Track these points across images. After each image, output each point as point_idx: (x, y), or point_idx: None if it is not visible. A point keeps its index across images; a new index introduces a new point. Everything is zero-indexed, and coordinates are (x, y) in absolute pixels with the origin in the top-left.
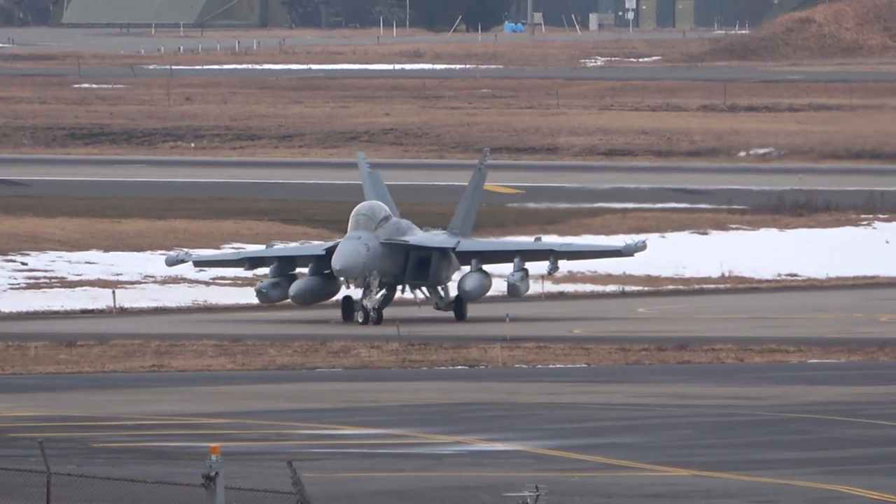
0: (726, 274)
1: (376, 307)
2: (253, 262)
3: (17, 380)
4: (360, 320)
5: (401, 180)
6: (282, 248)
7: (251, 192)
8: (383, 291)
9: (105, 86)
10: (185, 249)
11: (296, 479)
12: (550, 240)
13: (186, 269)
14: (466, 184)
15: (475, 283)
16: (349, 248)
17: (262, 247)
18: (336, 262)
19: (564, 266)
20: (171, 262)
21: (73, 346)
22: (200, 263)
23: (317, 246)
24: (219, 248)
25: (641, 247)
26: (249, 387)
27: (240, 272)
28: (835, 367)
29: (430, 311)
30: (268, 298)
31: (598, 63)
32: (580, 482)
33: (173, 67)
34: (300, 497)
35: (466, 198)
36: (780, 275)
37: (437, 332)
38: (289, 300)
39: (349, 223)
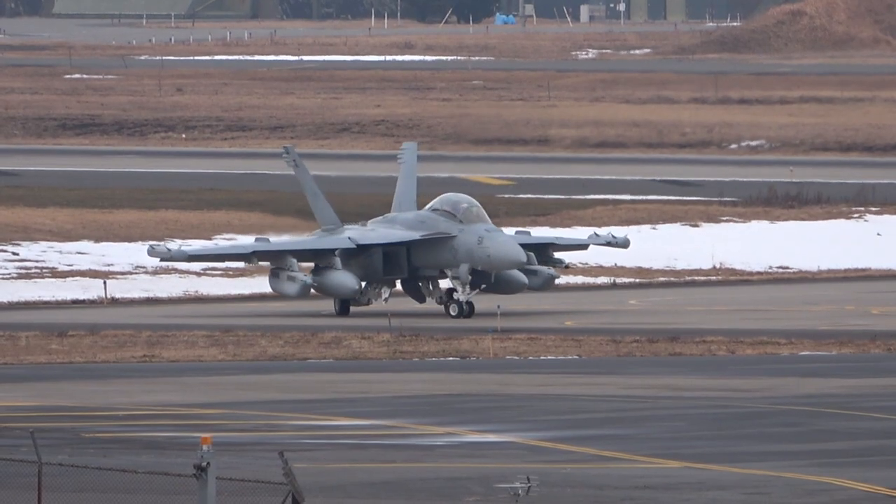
0: (717, 266)
1: (468, 300)
2: (262, 256)
3: (8, 370)
4: (454, 313)
5: (392, 172)
6: (299, 240)
7: (242, 184)
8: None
9: (96, 76)
10: (171, 243)
11: (287, 469)
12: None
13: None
14: (456, 175)
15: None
16: (513, 242)
17: (268, 239)
18: (517, 255)
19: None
20: (157, 256)
21: (65, 337)
22: (197, 258)
23: (341, 239)
24: (210, 239)
25: (618, 241)
26: (241, 377)
27: (234, 262)
28: (826, 360)
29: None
30: (304, 292)
31: (590, 55)
32: (571, 473)
33: (164, 58)
34: (292, 487)
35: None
36: (771, 267)
37: (428, 323)
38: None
39: (459, 213)
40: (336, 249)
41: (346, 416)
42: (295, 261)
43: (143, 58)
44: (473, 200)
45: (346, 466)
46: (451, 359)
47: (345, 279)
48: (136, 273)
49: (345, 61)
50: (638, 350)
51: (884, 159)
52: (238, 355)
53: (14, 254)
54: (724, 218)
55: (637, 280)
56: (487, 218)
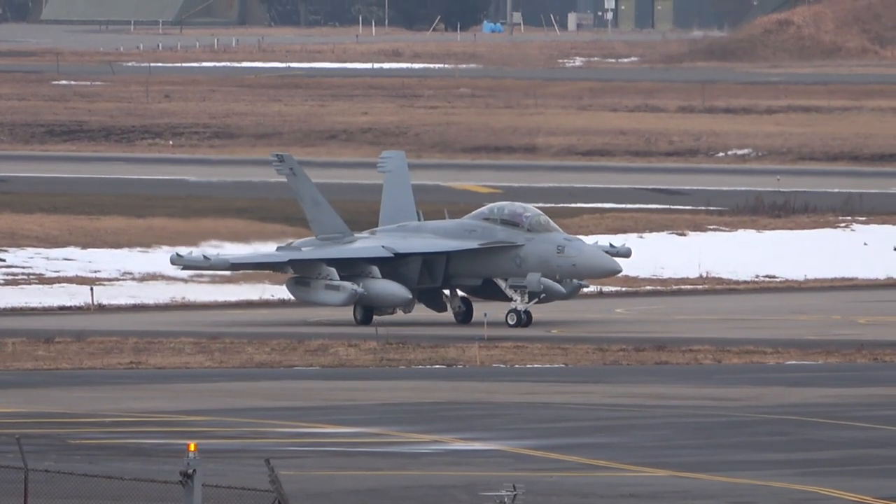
0: (704, 275)
1: (527, 308)
2: (297, 265)
3: None
4: (512, 322)
5: (378, 179)
6: (331, 249)
7: (229, 191)
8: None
9: (84, 83)
10: (206, 250)
11: (273, 476)
12: None
13: (165, 266)
14: (443, 183)
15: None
16: (601, 251)
17: (292, 244)
18: (609, 264)
19: None
20: (182, 264)
21: (51, 343)
22: (239, 267)
23: (374, 248)
24: (197, 246)
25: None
26: (227, 384)
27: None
28: (812, 369)
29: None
30: (351, 301)
31: (577, 63)
32: (557, 482)
33: (152, 65)
34: (278, 495)
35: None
36: (758, 276)
37: (414, 331)
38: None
39: (525, 222)
40: (373, 258)
41: (333, 423)
42: (334, 270)
43: (130, 64)
44: (536, 209)
45: (332, 474)
46: (437, 367)
47: (396, 289)
48: (123, 279)
49: (332, 68)
50: (624, 359)
51: (871, 168)
52: (225, 362)
53: (1, 260)
54: (711, 227)
55: (624, 289)
56: (558, 227)
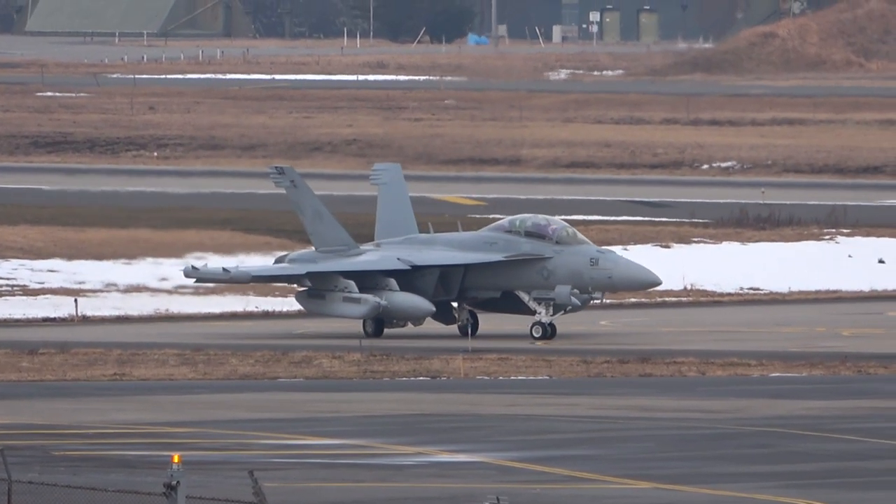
0: (688, 287)
1: (551, 321)
2: (314, 277)
3: None
4: (537, 335)
5: (363, 191)
6: (347, 261)
7: (214, 202)
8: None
9: (68, 94)
10: (228, 262)
11: (257, 488)
12: None
13: (149, 278)
14: (427, 195)
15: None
16: (638, 264)
17: (302, 252)
18: (648, 277)
19: None
20: (195, 277)
21: (35, 354)
22: (260, 279)
23: (388, 259)
24: (181, 258)
25: None
26: (211, 396)
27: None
28: (797, 381)
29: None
30: (374, 314)
31: (562, 76)
32: (542, 494)
33: (137, 76)
34: None
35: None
36: (742, 288)
37: (398, 343)
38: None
39: (554, 235)
40: (391, 271)
41: (317, 435)
42: (352, 282)
43: (115, 76)
44: (562, 221)
45: (316, 486)
46: (421, 378)
47: (418, 301)
48: (107, 291)
49: (317, 80)
50: (608, 371)
51: (855, 181)
52: (209, 374)
53: None
54: (696, 239)
55: (608, 301)
56: (586, 239)
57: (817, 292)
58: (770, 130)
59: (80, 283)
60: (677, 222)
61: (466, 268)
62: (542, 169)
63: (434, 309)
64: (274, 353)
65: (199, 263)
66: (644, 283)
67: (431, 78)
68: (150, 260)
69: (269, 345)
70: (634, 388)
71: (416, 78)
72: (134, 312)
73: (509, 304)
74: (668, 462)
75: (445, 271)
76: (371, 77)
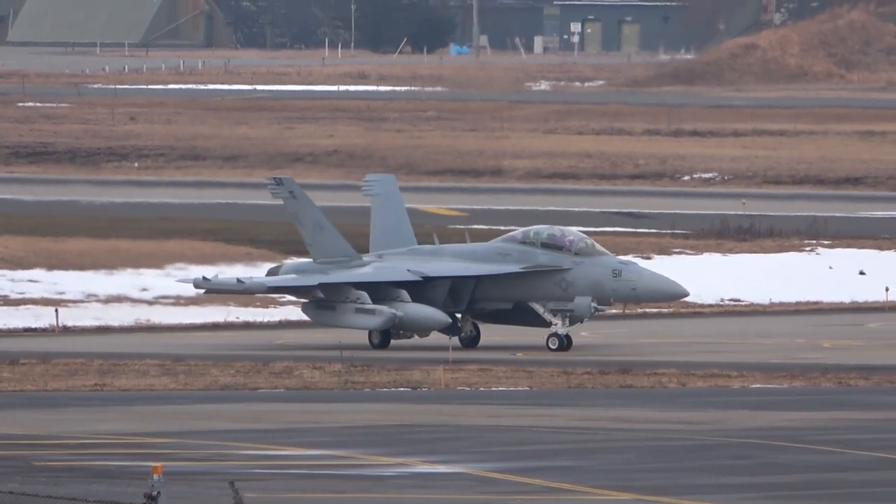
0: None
1: (567, 333)
2: (325, 288)
3: None
4: (554, 347)
5: (343, 202)
6: (355, 272)
7: (195, 213)
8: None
9: (49, 105)
10: (229, 273)
11: (238, 499)
12: None
13: (130, 289)
14: (409, 205)
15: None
16: (663, 275)
17: (300, 262)
18: (675, 288)
19: None
20: (206, 287)
21: (16, 365)
22: (276, 290)
23: (398, 270)
24: (162, 269)
25: None
26: (192, 406)
27: (186, 291)
28: (777, 393)
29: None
30: (390, 324)
31: (543, 86)
32: None
33: (118, 87)
34: None
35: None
36: (722, 299)
37: (379, 354)
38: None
39: (573, 246)
40: (401, 282)
41: (297, 445)
42: (365, 293)
43: (96, 86)
44: (580, 233)
45: (297, 496)
46: (402, 389)
47: (433, 313)
48: (88, 301)
49: (298, 91)
50: (589, 381)
51: (836, 192)
52: (189, 384)
53: None
54: (677, 250)
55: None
56: (605, 250)
57: (798, 304)
58: (751, 141)
59: (60, 293)
60: (658, 233)
61: (478, 279)
62: (524, 180)
63: (450, 320)
64: (255, 363)
65: (209, 274)
66: (671, 295)
67: (413, 89)
68: (130, 270)
69: (249, 355)
70: (615, 400)
71: (398, 88)
72: (115, 323)
73: (518, 315)
74: (648, 473)
75: (457, 282)
76: (352, 88)
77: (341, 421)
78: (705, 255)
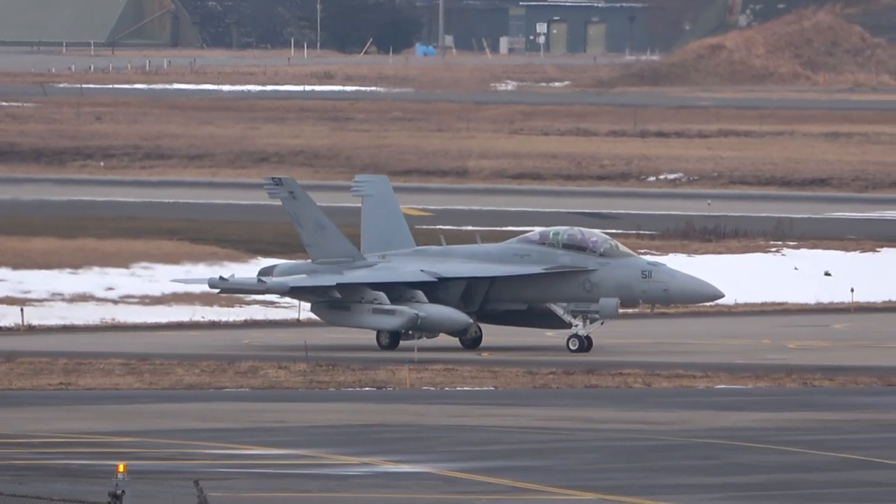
0: None
1: (588, 334)
2: (342, 289)
3: None
4: (574, 347)
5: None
6: (374, 272)
7: (161, 212)
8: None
9: (15, 104)
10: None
11: (202, 498)
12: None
13: (95, 288)
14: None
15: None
16: (696, 277)
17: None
18: (709, 290)
19: None
20: (222, 287)
21: None
22: (298, 290)
23: (413, 272)
24: (128, 268)
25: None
26: (157, 405)
27: (151, 291)
28: (742, 393)
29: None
30: (411, 325)
31: (509, 87)
32: None
33: (84, 86)
34: None
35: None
36: None
37: (345, 353)
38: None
39: (598, 247)
40: (417, 283)
41: (262, 445)
42: (383, 294)
43: (62, 86)
44: (603, 234)
45: (261, 495)
46: (367, 389)
47: (453, 314)
48: (53, 300)
49: (264, 91)
50: (554, 382)
51: (801, 193)
52: (154, 384)
53: None
54: (642, 251)
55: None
56: (631, 251)
57: (763, 304)
58: (717, 142)
59: (25, 292)
60: (623, 234)
61: (493, 280)
62: (489, 180)
63: (470, 321)
64: (220, 363)
65: (226, 274)
66: (705, 297)
67: (378, 89)
68: (96, 269)
69: (215, 355)
70: (580, 400)
71: (363, 89)
72: (80, 322)
73: (531, 316)
74: (613, 473)
75: (472, 283)
76: (318, 87)
77: (306, 420)
78: (670, 255)
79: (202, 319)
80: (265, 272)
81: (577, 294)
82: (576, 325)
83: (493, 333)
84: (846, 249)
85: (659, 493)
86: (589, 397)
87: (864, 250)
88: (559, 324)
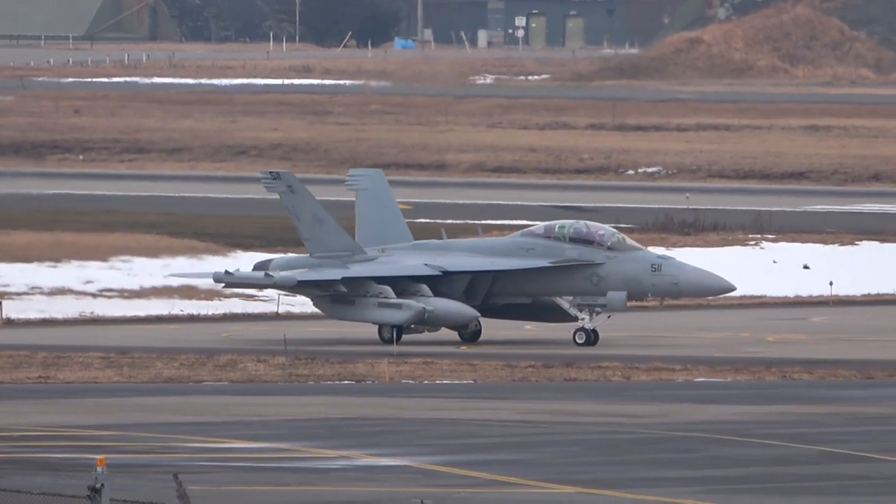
0: None
1: (594, 328)
2: (348, 283)
3: None
4: (581, 341)
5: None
6: (375, 267)
7: (139, 205)
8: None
9: None
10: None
11: (181, 491)
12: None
13: (74, 282)
14: (352, 199)
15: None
16: (706, 270)
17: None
18: (720, 283)
19: None
20: (228, 281)
21: None
22: (304, 284)
23: (417, 266)
24: (106, 261)
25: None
26: (136, 399)
27: (130, 284)
28: (721, 386)
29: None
30: (417, 320)
31: (488, 80)
32: (466, 498)
33: (62, 80)
34: None
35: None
36: None
37: (323, 347)
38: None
39: (605, 241)
40: (421, 276)
41: (241, 438)
42: (389, 288)
43: (40, 79)
44: (610, 227)
45: (240, 489)
46: (346, 382)
47: (461, 308)
48: (31, 294)
49: (243, 84)
50: (533, 375)
51: (780, 187)
52: (133, 377)
53: None
54: None
55: None
56: (639, 245)
57: (742, 297)
58: (695, 136)
59: (4, 285)
60: None
61: (497, 274)
62: (468, 173)
63: (477, 314)
64: (199, 356)
65: (231, 268)
66: (716, 290)
67: (357, 82)
68: (75, 263)
69: (194, 348)
70: (559, 393)
71: (342, 82)
72: (59, 315)
73: (535, 310)
74: (592, 466)
75: (476, 277)
76: (297, 81)
77: (285, 414)
78: (649, 249)
79: (181, 313)
80: (261, 266)
81: (584, 288)
82: (582, 319)
83: (504, 327)
84: (825, 243)
85: (638, 486)
86: (568, 390)
87: (842, 243)
88: (563, 317)
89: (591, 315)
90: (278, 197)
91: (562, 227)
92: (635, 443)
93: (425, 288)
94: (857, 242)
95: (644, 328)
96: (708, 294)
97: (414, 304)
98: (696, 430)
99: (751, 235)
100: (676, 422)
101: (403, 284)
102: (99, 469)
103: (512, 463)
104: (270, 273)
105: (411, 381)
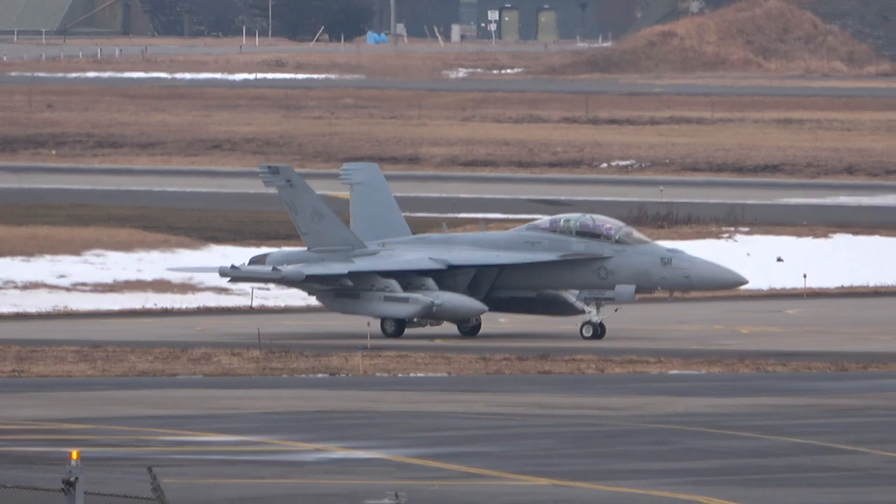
0: None
1: (601, 321)
2: (353, 277)
3: None
4: (588, 335)
5: (262, 188)
6: (380, 261)
7: (112, 200)
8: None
9: None
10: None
11: (155, 484)
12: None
13: (48, 276)
14: (327, 193)
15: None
16: (717, 263)
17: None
18: (733, 276)
19: None
20: (233, 275)
21: None
22: (312, 279)
23: (421, 259)
24: (80, 255)
25: None
26: (110, 393)
27: (104, 278)
28: (695, 379)
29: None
30: (425, 313)
31: (461, 74)
32: (440, 490)
33: (35, 74)
34: (160, 502)
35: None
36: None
37: (298, 340)
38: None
39: (613, 234)
40: (427, 270)
41: (215, 431)
42: (395, 282)
43: (13, 74)
44: (617, 221)
45: (214, 482)
46: (320, 375)
47: (469, 302)
48: (4, 288)
49: (216, 79)
50: (507, 368)
51: (754, 180)
52: (107, 371)
53: None
54: None
55: None
56: (646, 237)
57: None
58: (669, 129)
59: None
60: None
61: (502, 268)
62: (441, 167)
63: (485, 308)
64: (173, 349)
65: (237, 262)
66: (727, 283)
67: (330, 76)
68: (48, 257)
69: (167, 342)
70: (533, 386)
71: (315, 76)
72: (32, 309)
73: (539, 303)
74: (566, 459)
75: (481, 271)
76: (270, 75)
77: (260, 407)
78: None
79: (154, 307)
80: (256, 260)
81: (592, 281)
82: (588, 312)
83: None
84: (798, 235)
85: (613, 478)
86: (542, 383)
87: (816, 236)
88: (567, 310)
89: (597, 308)
90: (276, 191)
91: (567, 220)
92: (609, 435)
93: (431, 282)
94: (830, 235)
95: (618, 321)
96: (720, 287)
97: (421, 297)
98: (671, 422)
99: (724, 228)
100: (650, 414)
101: (409, 278)
102: (73, 462)
103: (486, 455)
104: (279, 267)
105: (385, 375)
